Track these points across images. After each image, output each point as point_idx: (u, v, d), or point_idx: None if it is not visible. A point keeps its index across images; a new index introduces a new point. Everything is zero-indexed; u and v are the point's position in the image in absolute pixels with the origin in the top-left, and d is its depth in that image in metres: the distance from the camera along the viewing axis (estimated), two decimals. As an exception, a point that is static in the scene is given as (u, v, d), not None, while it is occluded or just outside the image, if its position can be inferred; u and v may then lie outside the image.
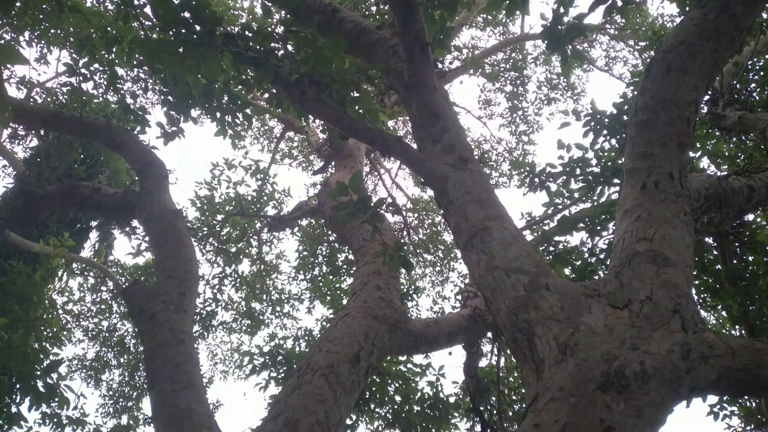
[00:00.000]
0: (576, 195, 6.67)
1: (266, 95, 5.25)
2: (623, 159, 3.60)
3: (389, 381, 8.05)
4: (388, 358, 8.13)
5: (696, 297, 6.36)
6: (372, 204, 4.11)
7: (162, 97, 5.49)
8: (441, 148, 4.12)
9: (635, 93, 5.14)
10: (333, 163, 9.25)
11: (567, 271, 6.28)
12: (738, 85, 6.36)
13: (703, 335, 2.74)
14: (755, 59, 6.64)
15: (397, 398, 8.13)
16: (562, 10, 4.66)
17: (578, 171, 5.87)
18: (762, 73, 6.38)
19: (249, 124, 5.81)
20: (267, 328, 12.92)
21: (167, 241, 5.57)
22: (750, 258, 6.17)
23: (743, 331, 6.15)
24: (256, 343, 13.39)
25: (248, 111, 5.48)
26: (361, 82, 4.06)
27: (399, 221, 12.54)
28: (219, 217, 9.74)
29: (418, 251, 12.57)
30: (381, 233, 4.08)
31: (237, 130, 5.59)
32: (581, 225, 5.86)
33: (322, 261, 11.50)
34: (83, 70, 6.13)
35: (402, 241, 12.83)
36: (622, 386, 2.52)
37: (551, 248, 5.86)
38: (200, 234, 9.62)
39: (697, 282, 5.85)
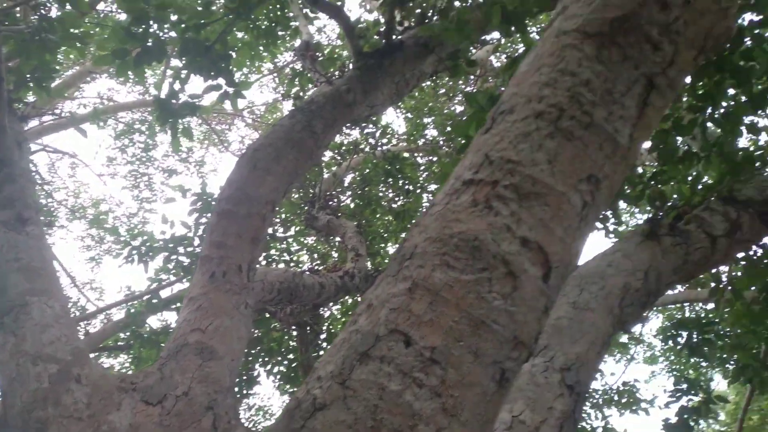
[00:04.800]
0: (182, 273, 6.46)
1: None
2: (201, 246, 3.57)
3: None
4: None
5: (273, 384, 6.75)
6: None
7: None
8: (-2, 200, 3.43)
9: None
10: None
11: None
12: (334, 193, 7.33)
13: (235, 432, 2.73)
14: (353, 173, 7.80)
15: None
16: (178, 86, 4.62)
17: (181, 249, 5.71)
18: (354, 186, 7.55)
19: None
20: None
21: None
22: (328, 347, 6.86)
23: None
24: None
25: None
26: None
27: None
28: None
29: None
30: None
31: None
32: (176, 306, 5.63)
33: None
34: None
35: None
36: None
37: (138, 329, 5.43)
38: None
39: (275, 370, 6.17)
